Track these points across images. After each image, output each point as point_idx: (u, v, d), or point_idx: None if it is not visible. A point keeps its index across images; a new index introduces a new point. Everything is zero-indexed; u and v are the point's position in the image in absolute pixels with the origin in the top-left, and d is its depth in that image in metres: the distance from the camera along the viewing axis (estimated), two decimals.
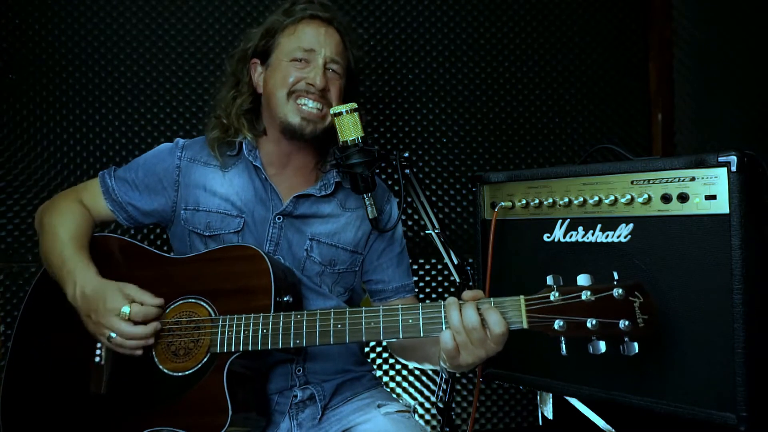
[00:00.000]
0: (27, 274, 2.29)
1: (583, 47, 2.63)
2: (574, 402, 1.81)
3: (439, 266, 2.51)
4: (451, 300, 1.34)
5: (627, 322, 1.24)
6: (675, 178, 1.47)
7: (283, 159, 1.75)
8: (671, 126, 2.66)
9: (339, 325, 1.42)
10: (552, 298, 1.28)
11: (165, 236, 2.40)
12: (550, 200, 1.66)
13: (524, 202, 1.71)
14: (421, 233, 2.51)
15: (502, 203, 1.74)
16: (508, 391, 2.52)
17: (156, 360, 1.53)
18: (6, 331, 2.28)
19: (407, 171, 1.73)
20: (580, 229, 1.62)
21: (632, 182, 1.53)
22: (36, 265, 2.28)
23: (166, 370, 1.52)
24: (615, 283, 1.26)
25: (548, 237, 1.68)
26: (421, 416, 2.49)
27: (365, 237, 1.79)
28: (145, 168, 1.76)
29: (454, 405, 2.46)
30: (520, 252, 1.73)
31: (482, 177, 1.82)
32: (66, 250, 1.59)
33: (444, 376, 1.72)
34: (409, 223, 2.52)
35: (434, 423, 2.49)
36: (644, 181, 1.52)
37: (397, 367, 2.49)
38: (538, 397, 1.93)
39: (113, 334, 1.47)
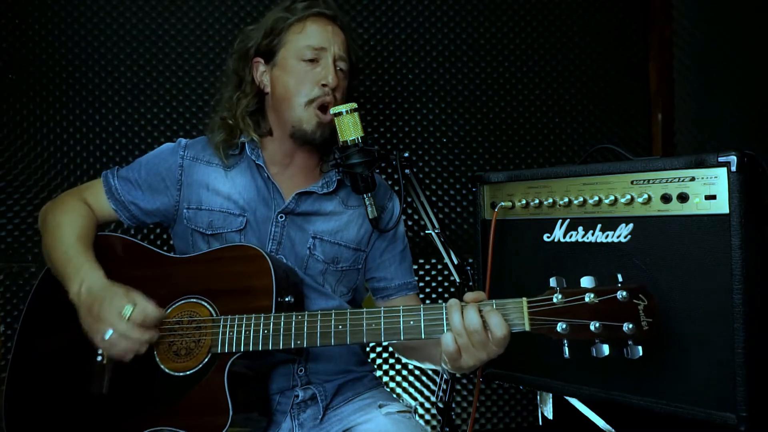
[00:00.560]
0: (27, 274, 2.29)
1: (583, 47, 2.63)
2: (574, 402, 1.81)
3: (439, 266, 2.51)
4: (453, 302, 1.33)
5: (631, 325, 1.22)
6: (675, 178, 1.47)
7: (286, 158, 1.75)
8: (671, 126, 2.66)
9: (340, 326, 1.42)
10: (555, 300, 1.27)
11: (165, 236, 2.40)
12: (550, 200, 1.66)
13: (524, 202, 1.71)
14: (421, 233, 2.51)
15: (502, 203, 1.74)
16: (508, 391, 2.52)
17: (157, 359, 1.53)
18: (6, 331, 2.28)
19: (407, 171, 1.73)
20: (580, 229, 1.62)
21: (632, 182, 1.53)
22: (36, 265, 2.28)
23: (167, 370, 1.52)
24: (619, 285, 1.25)
25: (548, 237, 1.68)
26: (422, 416, 2.49)
27: (368, 234, 1.79)
28: (147, 167, 1.75)
29: (454, 405, 2.46)
30: (520, 252, 1.73)
31: (482, 177, 1.82)
32: (71, 249, 1.59)
33: (444, 377, 1.73)
34: (409, 223, 2.52)
35: (434, 423, 2.49)
36: (644, 181, 1.52)
37: (398, 367, 2.49)
38: (538, 397, 1.93)
39: (110, 332, 1.44)
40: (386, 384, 2.47)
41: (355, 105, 1.60)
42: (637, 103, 2.68)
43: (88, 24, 2.33)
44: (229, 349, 1.48)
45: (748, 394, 1.37)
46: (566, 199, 1.63)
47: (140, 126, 2.37)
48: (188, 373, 1.50)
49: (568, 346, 1.27)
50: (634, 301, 1.23)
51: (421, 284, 2.51)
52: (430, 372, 2.49)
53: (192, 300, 1.56)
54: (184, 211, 1.72)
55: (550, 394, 1.87)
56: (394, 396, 1.82)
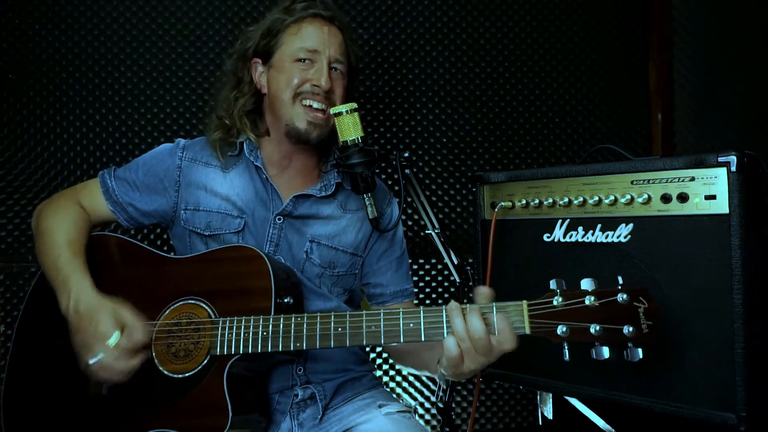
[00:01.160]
0: (27, 274, 2.29)
1: (583, 47, 2.63)
2: (574, 402, 1.81)
3: (439, 266, 2.51)
4: (454, 305, 1.32)
5: (631, 328, 1.22)
6: (675, 178, 1.47)
7: (284, 160, 1.75)
8: (671, 126, 2.66)
9: (339, 329, 1.42)
10: (555, 303, 1.26)
11: (165, 236, 2.40)
12: (550, 200, 1.66)
13: (524, 202, 1.71)
14: (421, 233, 2.51)
15: (502, 203, 1.74)
16: (508, 391, 2.52)
17: (156, 361, 1.53)
18: (6, 331, 2.28)
19: (407, 171, 1.73)
20: (580, 229, 1.62)
21: (632, 182, 1.53)
22: (36, 265, 2.26)
23: (166, 372, 1.51)
24: (619, 287, 1.24)
25: (548, 237, 1.68)
26: (422, 416, 2.49)
27: (365, 239, 1.78)
28: (145, 168, 1.75)
29: (454, 405, 2.46)
30: (520, 252, 1.73)
31: (482, 177, 1.82)
32: (62, 257, 1.57)
33: (441, 385, 1.72)
34: (409, 223, 2.52)
35: (434, 423, 2.49)
36: (644, 181, 1.52)
37: (397, 367, 2.49)
38: (538, 397, 1.93)
39: (95, 360, 1.43)
40: (386, 384, 2.47)
41: (355, 105, 1.60)
42: (637, 103, 2.68)
43: (88, 24, 2.34)
44: (228, 351, 1.47)
45: (748, 394, 1.37)
46: (566, 199, 1.63)
47: (140, 126, 2.37)
48: (187, 375, 1.50)
49: (568, 349, 1.27)
50: (635, 303, 1.23)
51: (421, 284, 2.51)
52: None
53: (190, 301, 1.56)
54: (182, 212, 1.72)
55: (550, 394, 1.87)
56: (394, 396, 1.81)
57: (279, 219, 1.70)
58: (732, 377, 1.38)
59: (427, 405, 2.50)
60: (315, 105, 1.65)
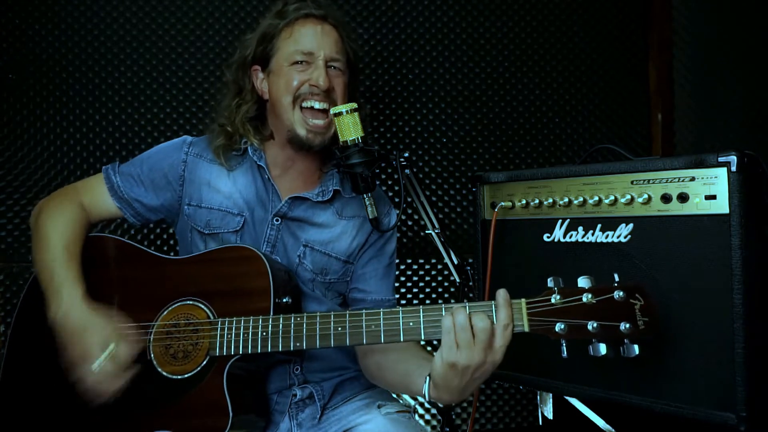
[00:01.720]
0: (27, 274, 2.29)
1: (583, 47, 2.63)
2: (574, 402, 1.81)
3: (439, 266, 2.51)
4: (457, 305, 1.32)
5: (627, 325, 1.23)
6: (675, 178, 1.47)
7: (287, 161, 1.74)
8: (671, 126, 2.66)
9: (339, 328, 1.42)
10: (553, 300, 1.28)
11: (165, 236, 2.40)
12: (550, 200, 1.66)
13: (524, 202, 1.71)
14: (421, 233, 2.51)
15: (502, 203, 1.74)
16: (508, 391, 2.52)
17: (155, 363, 1.52)
18: (6, 331, 2.28)
19: (407, 171, 1.73)
20: (580, 229, 1.62)
21: (632, 182, 1.53)
22: None
23: (165, 373, 1.51)
24: (616, 285, 1.26)
25: (548, 237, 1.68)
26: (421, 416, 2.49)
27: (359, 247, 1.77)
28: (150, 163, 1.75)
29: (454, 405, 2.46)
30: (520, 252, 1.73)
31: (482, 177, 1.81)
32: (56, 261, 1.56)
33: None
34: (409, 223, 2.52)
35: (434, 423, 2.49)
36: (644, 181, 1.52)
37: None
38: (538, 397, 1.93)
39: (78, 379, 1.45)
40: None
41: (355, 105, 1.60)
42: (637, 103, 2.68)
43: (88, 24, 2.34)
44: (228, 352, 1.47)
45: (748, 394, 1.37)
46: (566, 199, 1.63)
47: (140, 126, 2.37)
48: (186, 376, 1.49)
49: (566, 346, 1.28)
50: (631, 300, 1.25)
51: (421, 284, 2.51)
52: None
53: (188, 302, 1.55)
54: (185, 207, 1.72)
55: (550, 394, 1.87)
56: (394, 396, 1.81)
57: (277, 220, 1.70)
58: (732, 377, 1.38)
59: (427, 405, 2.49)
60: (316, 105, 1.64)
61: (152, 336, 1.54)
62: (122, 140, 2.36)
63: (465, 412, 2.51)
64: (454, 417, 2.47)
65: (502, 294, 1.30)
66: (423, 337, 1.36)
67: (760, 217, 1.41)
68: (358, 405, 1.70)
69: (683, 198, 1.45)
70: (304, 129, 1.65)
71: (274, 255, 1.70)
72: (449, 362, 1.29)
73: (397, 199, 2.06)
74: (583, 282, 1.28)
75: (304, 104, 1.64)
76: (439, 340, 1.32)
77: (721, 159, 1.39)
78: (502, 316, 1.28)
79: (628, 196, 1.53)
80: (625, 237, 1.55)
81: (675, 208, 1.47)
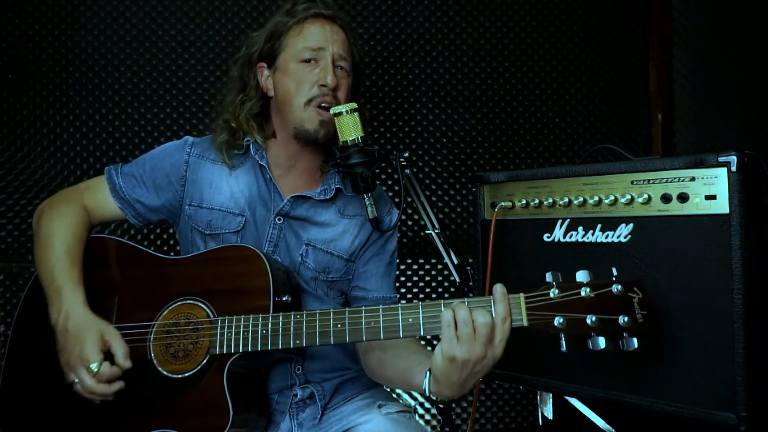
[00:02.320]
0: (27, 274, 2.29)
1: (583, 47, 2.63)
2: (574, 402, 1.81)
3: (439, 266, 2.51)
4: (456, 301, 1.32)
5: (626, 318, 1.24)
6: (675, 178, 1.47)
7: (290, 160, 1.74)
8: (671, 126, 2.66)
9: (339, 325, 1.42)
10: (551, 295, 1.28)
11: (166, 236, 2.40)
12: (550, 200, 1.66)
13: (524, 202, 1.71)
14: (421, 233, 2.51)
15: (502, 203, 1.74)
16: (508, 391, 2.53)
17: (155, 362, 1.53)
18: (6, 332, 2.28)
19: (407, 171, 1.73)
20: (580, 229, 1.62)
21: (632, 182, 1.53)
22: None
23: (165, 372, 1.51)
24: (614, 279, 1.27)
25: (548, 237, 1.68)
26: (421, 416, 2.49)
27: (361, 245, 1.78)
28: (152, 163, 1.75)
29: (454, 405, 2.46)
30: (520, 252, 1.73)
31: (482, 177, 1.81)
32: (58, 265, 1.56)
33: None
34: (409, 223, 2.52)
35: (434, 423, 2.49)
36: (644, 181, 1.52)
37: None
38: (538, 397, 1.93)
39: (75, 380, 1.46)
40: None
41: (355, 105, 1.60)
42: (637, 103, 2.68)
43: (88, 24, 2.34)
44: (228, 350, 1.47)
45: (748, 394, 1.37)
46: (566, 199, 1.63)
47: (140, 126, 2.37)
48: (187, 375, 1.50)
49: (565, 340, 1.28)
50: (629, 294, 1.25)
51: (421, 284, 2.51)
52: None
53: (188, 302, 1.56)
54: (186, 207, 1.72)
55: (550, 394, 1.87)
56: (394, 396, 1.81)
57: (279, 219, 1.70)
58: (732, 377, 1.38)
59: (427, 405, 2.50)
60: (324, 105, 1.65)
61: (152, 335, 1.54)
62: (122, 140, 2.36)
63: (465, 412, 2.51)
64: (454, 417, 2.47)
65: (498, 288, 1.30)
66: (422, 333, 1.36)
67: (760, 217, 1.41)
68: (358, 405, 1.70)
69: (683, 198, 1.45)
70: (315, 123, 1.65)
71: (277, 254, 1.70)
72: (449, 356, 1.29)
73: (397, 199, 2.06)
74: (581, 276, 1.29)
75: (315, 105, 1.65)
76: (438, 337, 1.32)
77: (721, 159, 1.39)
78: (499, 310, 1.28)
79: (628, 196, 1.53)
80: (625, 237, 1.55)
81: (675, 208, 1.47)
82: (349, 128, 1.59)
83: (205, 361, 1.49)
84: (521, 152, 2.59)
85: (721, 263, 1.39)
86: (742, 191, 1.37)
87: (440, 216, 2.48)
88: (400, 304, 1.39)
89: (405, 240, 2.51)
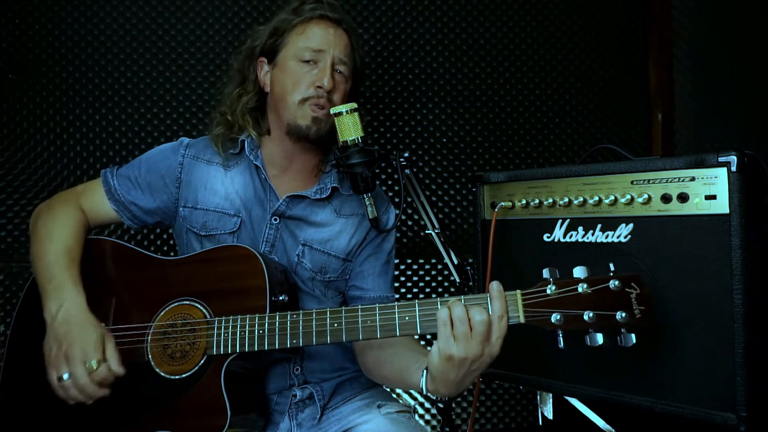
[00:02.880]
0: (27, 274, 2.29)
1: (583, 47, 2.63)
2: (574, 402, 1.81)
3: (439, 266, 2.51)
4: (453, 298, 1.32)
5: (624, 314, 1.24)
6: (675, 178, 1.47)
7: (285, 160, 1.74)
8: (671, 126, 2.66)
9: (335, 324, 1.42)
10: (548, 291, 1.28)
11: (164, 236, 2.40)
12: (550, 200, 1.66)
13: (524, 202, 1.71)
14: (421, 233, 2.50)
15: (502, 203, 1.74)
16: (508, 391, 2.52)
17: (152, 363, 1.52)
18: (6, 332, 2.28)
19: (407, 171, 1.73)
20: (580, 229, 1.62)
21: (632, 182, 1.53)
22: None
23: (162, 373, 1.51)
24: (611, 274, 1.26)
25: (548, 237, 1.68)
26: (421, 416, 2.49)
27: (357, 245, 1.77)
28: (147, 165, 1.75)
29: (454, 405, 2.46)
30: (520, 252, 1.73)
31: (482, 177, 1.81)
32: (56, 265, 1.56)
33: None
34: (409, 223, 2.52)
35: (434, 423, 2.49)
36: (644, 181, 1.51)
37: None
38: (538, 397, 1.93)
39: (67, 376, 1.43)
40: None
41: (355, 105, 1.60)
42: (637, 103, 2.67)
43: (88, 24, 2.34)
44: (225, 351, 1.47)
45: (748, 394, 1.36)
46: (566, 199, 1.63)
47: (140, 126, 2.37)
48: (184, 375, 1.49)
49: (562, 337, 1.28)
50: (627, 289, 1.25)
51: (421, 284, 2.51)
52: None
53: (185, 302, 1.55)
54: (181, 209, 1.72)
55: (550, 394, 1.87)
56: (393, 396, 1.81)
57: (275, 219, 1.70)
58: (732, 377, 1.38)
59: (427, 405, 2.49)
60: (318, 106, 1.65)
61: (149, 337, 1.54)
62: (122, 140, 2.36)
63: (465, 412, 2.51)
64: (454, 417, 2.47)
65: (495, 286, 1.30)
66: (419, 331, 1.35)
67: (760, 217, 1.41)
68: (358, 405, 1.70)
69: (683, 198, 1.45)
70: (308, 119, 1.65)
71: (273, 254, 1.70)
72: (446, 354, 1.28)
73: (397, 199, 2.06)
74: (578, 272, 1.28)
75: (312, 106, 1.65)
76: (434, 335, 1.32)
77: (721, 159, 1.39)
78: (496, 308, 1.28)
79: (628, 196, 1.53)
80: (625, 237, 1.55)
81: (675, 208, 1.47)
82: (349, 128, 1.59)
83: (202, 362, 1.49)
84: (521, 152, 2.59)
85: (721, 263, 1.39)
86: (742, 191, 1.37)
87: (440, 216, 2.48)
88: (396, 303, 1.39)
89: (405, 240, 2.51)
